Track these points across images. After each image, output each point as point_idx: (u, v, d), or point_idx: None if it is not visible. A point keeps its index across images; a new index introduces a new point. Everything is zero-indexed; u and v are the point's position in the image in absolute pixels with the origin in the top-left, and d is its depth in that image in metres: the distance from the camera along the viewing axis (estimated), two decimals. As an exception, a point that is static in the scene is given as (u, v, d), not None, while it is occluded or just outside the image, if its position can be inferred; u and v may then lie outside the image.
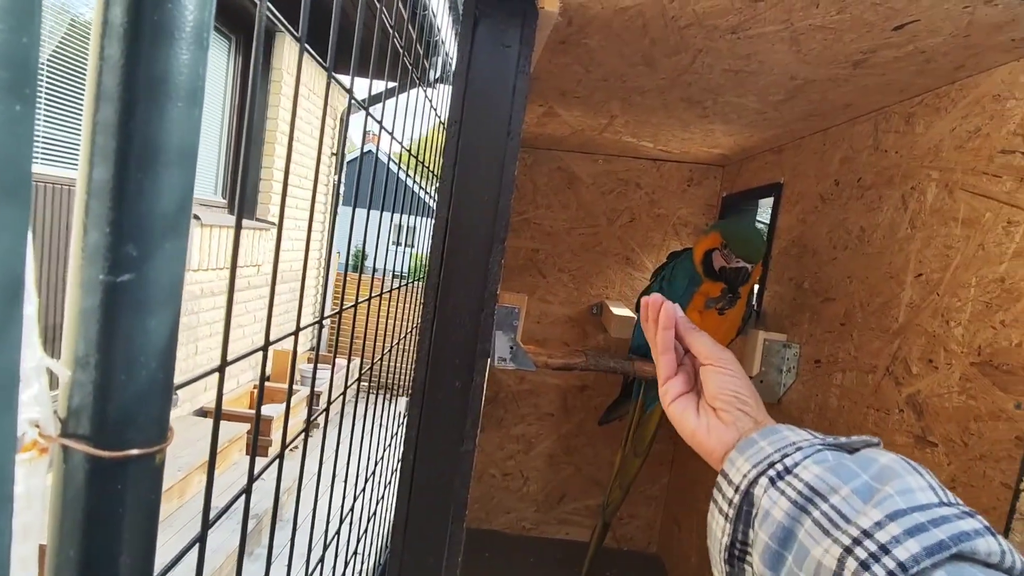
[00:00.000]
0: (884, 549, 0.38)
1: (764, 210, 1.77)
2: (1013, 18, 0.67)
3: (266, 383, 4.13)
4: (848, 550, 0.39)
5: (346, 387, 0.78)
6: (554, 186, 1.83)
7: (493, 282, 0.76)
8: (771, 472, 0.46)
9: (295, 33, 0.41)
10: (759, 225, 1.73)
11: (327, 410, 0.66)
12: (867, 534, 0.39)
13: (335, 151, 6.17)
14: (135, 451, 0.27)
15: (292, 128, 0.42)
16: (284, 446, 0.54)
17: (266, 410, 3.77)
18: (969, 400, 0.78)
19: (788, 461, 0.46)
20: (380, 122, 0.90)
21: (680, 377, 0.55)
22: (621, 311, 1.69)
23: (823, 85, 0.97)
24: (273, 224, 4.24)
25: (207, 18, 0.27)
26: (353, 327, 1.04)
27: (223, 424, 3.39)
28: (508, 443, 1.91)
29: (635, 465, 1.47)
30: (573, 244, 1.84)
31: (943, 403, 0.82)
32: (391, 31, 0.80)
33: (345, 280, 0.73)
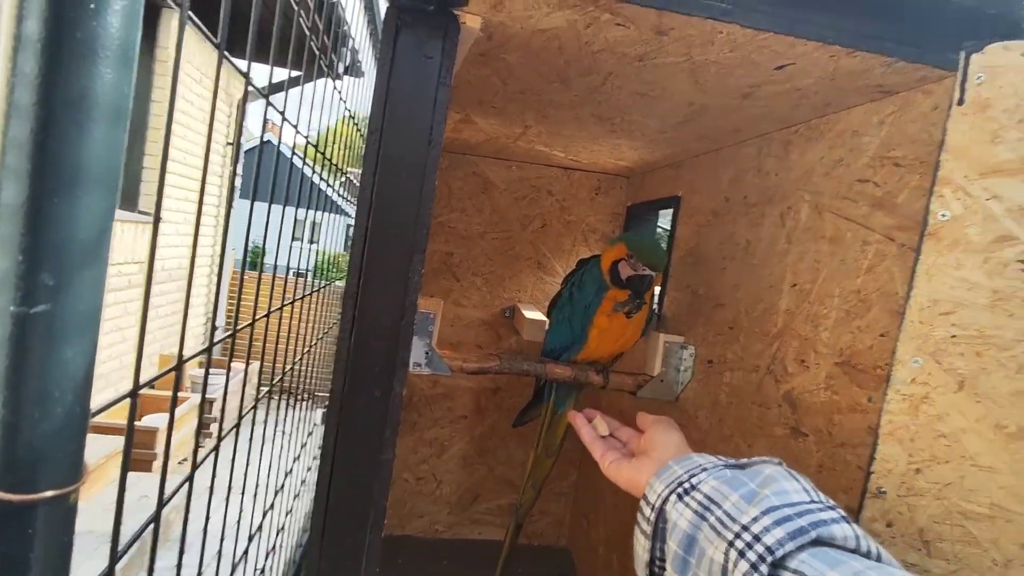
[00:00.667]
0: (756, 538, 0.45)
1: (665, 219, 1.91)
2: (868, 69, 0.79)
3: (152, 390, 3.78)
4: (731, 544, 0.46)
5: (256, 401, 0.75)
6: (469, 191, 1.84)
7: (413, 291, 0.76)
8: (679, 490, 0.55)
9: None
10: (661, 233, 1.86)
11: (228, 424, 0.63)
12: (745, 528, 0.46)
13: (231, 140, 5.78)
14: (48, 493, 0.26)
15: (171, 109, 0.40)
16: (195, 465, 0.52)
17: (154, 420, 3.46)
18: (833, 395, 0.90)
19: (695, 480, 0.55)
20: (283, 113, 0.87)
21: (610, 449, 0.76)
22: (533, 314, 1.75)
23: (716, 112, 1.07)
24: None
25: (134, 37, 0.27)
26: (252, 330, 1.00)
27: (100, 438, 3.07)
28: (421, 447, 1.90)
29: (547, 465, 1.52)
30: (487, 248, 1.87)
31: (812, 398, 0.94)
32: (297, 12, 0.78)
33: (242, 279, 0.70)
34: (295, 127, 0.91)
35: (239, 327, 0.74)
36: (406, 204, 0.75)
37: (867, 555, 0.43)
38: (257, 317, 0.80)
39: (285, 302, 1.00)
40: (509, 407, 1.92)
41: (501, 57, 0.91)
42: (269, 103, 0.79)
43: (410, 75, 0.74)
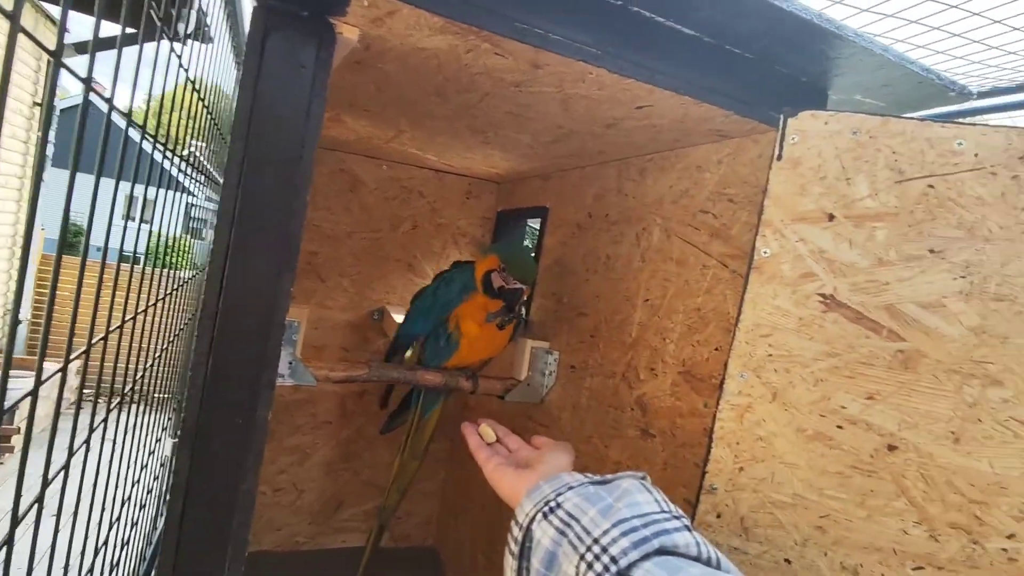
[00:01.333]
0: (604, 549, 0.50)
1: (534, 226, 1.99)
2: (711, 116, 0.89)
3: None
4: (582, 557, 0.50)
5: (92, 430, 0.66)
6: (336, 188, 1.76)
7: (281, 312, 0.72)
8: (545, 508, 0.57)
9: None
10: (532, 238, 1.93)
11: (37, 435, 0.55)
12: (596, 541, 0.50)
13: (39, 101, 4.89)
14: None
15: None
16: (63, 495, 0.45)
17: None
18: (676, 401, 1.02)
19: (560, 498, 0.57)
20: (86, 79, 0.78)
21: (496, 455, 0.76)
22: (402, 317, 1.73)
23: (583, 136, 1.14)
24: (-62, 191, 3.21)
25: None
26: (73, 325, 0.87)
27: None
28: (281, 456, 1.80)
29: (413, 468, 1.52)
30: (355, 248, 1.81)
31: (660, 403, 1.05)
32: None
33: (58, 263, 0.59)
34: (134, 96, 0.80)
35: (110, 330, 0.64)
36: (274, 220, 0.70)
37: (707, 562, 0.50)
38: (128, 317, 0.70)
39: (152, 301, 0.88)
40: (376, 410, 1.89)
41: (378, 67, 0.89)
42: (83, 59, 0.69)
43: (281, 83, 0.70)
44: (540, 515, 0.57)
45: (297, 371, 1.21)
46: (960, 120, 0.76)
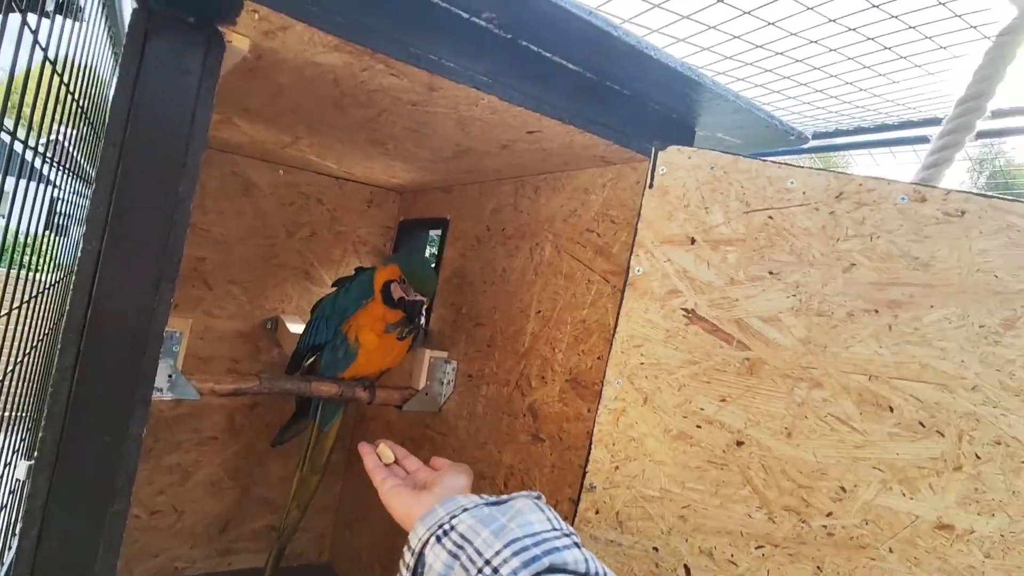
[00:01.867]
0: (495, 570, 0.51)
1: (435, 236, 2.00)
2: (594, 144, 0.98)
3: None
4: None
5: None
6: (227, 191, 1.68)
7: (160, 323, 0.70)
8: (439, 532, 0.57)
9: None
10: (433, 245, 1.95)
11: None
12: (488, 562, 0.52)
13: None
14: None
15: None
16: None
17: None
18: (563, 407, 1.08)
19: (454, 521, 0.57)
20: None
21: (392, 476, 0.75)
22: (297, 327, 1.68)
23: (480, 154, 1.19)
24: None
25: None
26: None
27: None
28: (158, 476, 1.67)
29: (314, 483, 1.49)
30: (247, 255, 1.73)
31: (549, 409, 1.12)
32: None
33: None
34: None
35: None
36: (154, 229, 0.68)
37: None
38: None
39: (4, 309, 0.79)
40: (268, 423, 1.81)
41: (271, 77, 0.88)
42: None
43: (162, 88, 0.68)
44: (433, 539, 0.57)
45: (178, 384, 1.14)
46: (792, 163, 0.89)
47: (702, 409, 0.84)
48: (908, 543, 0.73)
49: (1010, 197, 0.74)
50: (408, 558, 0.58)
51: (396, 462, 0.82)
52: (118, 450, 0.69)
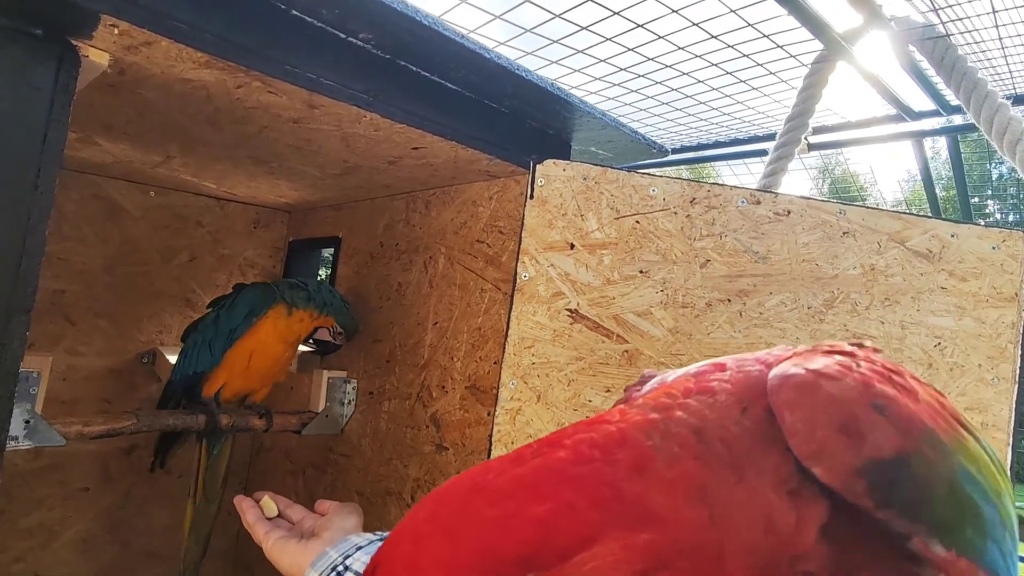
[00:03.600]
0: None
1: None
2: (478, 159, 1.03)
3: None
4: None
5: None
6: (89, 216, 1.54)
7: (12, 362, 0.64)
8: (329, 571, 0.56)
9: None
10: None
11: None
12: None
13: None
14: None
15: None
16: None
17: None
18: (465, 413, 1.11)
19: (348, 561, 0.57)
20: None
21: (275, 528, 0.69)
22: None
23: (368, 171, 1.20)
24: None
25: None
26: None
27: None
28: (15, 540, 1.47)
29: (211, 512, 1.38)
30: (115, 284, 1.59)
31: (451, 417, 1.14)
32: None
33: None
34: None
35: None
36: (2, 260, 0.62)
37: None
38: None
39: None
40: (148, 466, 1.66)
41: (137, 92, 0.84)
42: None
43: (8, 106, 0.63)
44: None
45: (37, 430, 1.03)
46: (653, 172, 0.99)
47: (590, 401, 0.91)
48: None
49: (823, 199, 0.89)
50: None
51: (279, 514, 0.76)
52: (-34, 503, 0.62)
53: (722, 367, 0.38)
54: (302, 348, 1.50)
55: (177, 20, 0.65)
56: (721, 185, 0.92)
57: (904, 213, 0.87)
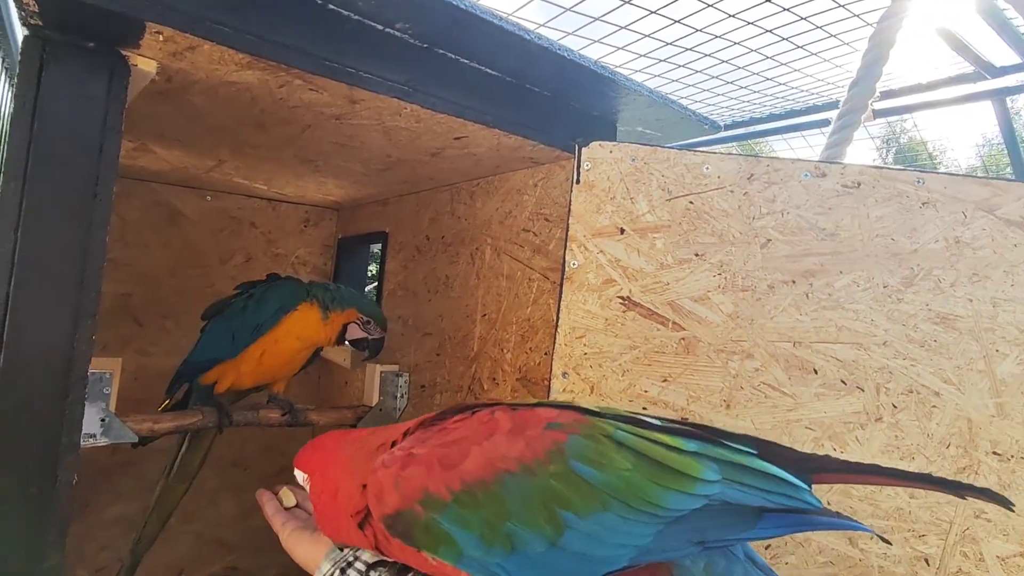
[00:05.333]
0: None
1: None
2: (521, 146, 1.00)
3: None
4: None
5: None
6: (151, 222, 1.61)
7: (82, 363, 0.67)
8: (343, 564, 0.61)
9: None
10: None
11: None
12: None
13: None
14: None
15: None
16: None
17: None
18: (516, 405, 1.10)
19: (359, 551, 0.61)
20: None
21: (293, 519, 0.73)
22: (241, 356, 1.62)
23: (411, 164, 1.20)
24: None
25: None
26: None
27: None
28: (99, 531, 1.57)
29: (179, 492, 1.37)
30: (178, 286, 1.66)
31: (502, 409, 1.13)
32: None
33: None
34: None
35: None
36: (67, 266, 0.65)
37: None
38: None
39: None
40: (219, 457, 1.74)
41: (185, 98, 0.86)
42: None
43: (65, 118, 0.65)
44: (338, 571, 0.60)
45: (112, 428, 1.08)
46: (705, 149, 0.94)
47: (646, 391, 0.87)
48: (843, 494, 0.78)
49: (899, 167, 0.81)
50: None
51: (298, 505, 0.77)
52: (47, 501, 0.65)
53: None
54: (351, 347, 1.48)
55: (216, 22, 0.66)
56: (781, 159, 0.86)
57: (992, 178, 0.79)
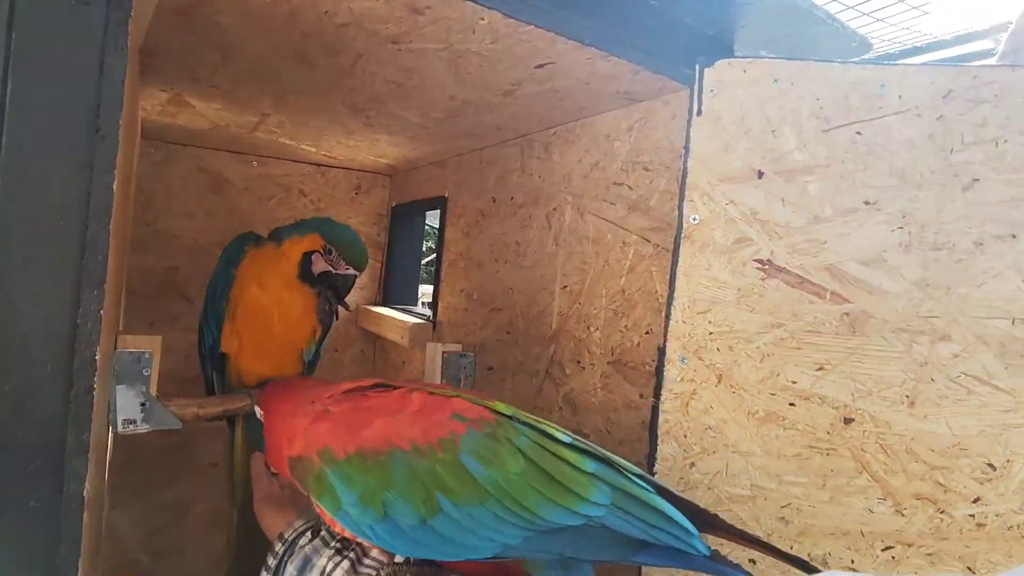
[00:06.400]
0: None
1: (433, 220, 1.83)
2: (619, 74, 0.80)
3: None
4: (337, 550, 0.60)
5: None
6: (195, 190, 1.50)
7: (88, 346, 0.52)
8: (315, 524, 0.64)
9: None
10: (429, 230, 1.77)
11: None
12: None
13: None
14: None
15: None
16: None
17: None
18: (608, 394, 0.92)
19: (310, 533, 0.63)
20: None
21: (274, 486, 0.77)
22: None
23: (478, 108, 1.01)
24: None
25: None
26: None
27: None
28: (153, 515, 1.51)
29: (235, 520, 1.11)
30: (227, 259, 1.55)
31: (590, 399, 0.95)
32: None
33: None
34: None
35: None
36: (61, 222, 0.50)
37: None
38: None
39: None
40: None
41: (212, 19, 0.70)
42: None
43: (51, 28, 0.50)
44: (310, 531, 0.64)
45: (154, 413, 0.97)
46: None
47: (794, 382, 0.67)
48: None
49: None
50: (278, 547, 0.64)
51: None
52: (52, 512, 0.52)
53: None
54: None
55: None
56: (996, 67, 0.62)
57: None
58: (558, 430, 0.60)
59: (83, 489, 0.53)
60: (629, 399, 0.87)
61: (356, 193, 1.72)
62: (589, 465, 0.56)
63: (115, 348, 0.91)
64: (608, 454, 0.60)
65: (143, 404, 0.96)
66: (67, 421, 0.52)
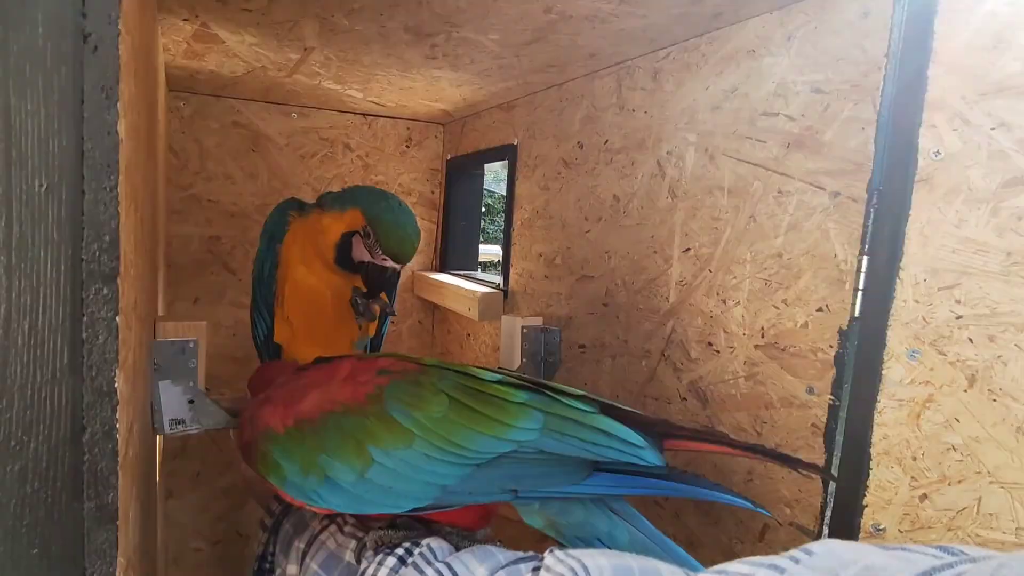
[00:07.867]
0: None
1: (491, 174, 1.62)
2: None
3: None
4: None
5: None
6: (232, 148, 1.33)
7: (102, 370, 0.36)
8: None
9: None
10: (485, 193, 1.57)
11: None
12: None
13: None
14: None
15: None
16: None
17: None
18: (758, 387, 0.72)
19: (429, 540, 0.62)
20: None
21: None
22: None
23: (578, 25, 0.79)
24: None
25: None
26: None
27: None
28: (214, 501, 1.41)
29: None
30: (271, 225, 1.40)
31: (729, 390, 0.76)
32: None
33: None
34: None
35: None
36: (44, 184, 0.33)
37: None
38: None
39: None
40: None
41: None
42: None
43: None
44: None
45: (202, 410, 0.83)
46: None
47: (1094, 387, 0.46)
48: None
49: None
50: (275, 507, 0.69)
51: None
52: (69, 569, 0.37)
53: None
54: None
55: None
56: None
57: None
58: (488, 371, 0.61)
59: (114, 555, 0.38)
60: (791, 394, 0.68)
61: (407, 146, 1.52)
62: (519, 395, 0.57)
63: (154, 338, 0.77)
64: (550, 383, 0.60)
65: (191, 401, 0.82)
66: (82, 460, 0.36)
